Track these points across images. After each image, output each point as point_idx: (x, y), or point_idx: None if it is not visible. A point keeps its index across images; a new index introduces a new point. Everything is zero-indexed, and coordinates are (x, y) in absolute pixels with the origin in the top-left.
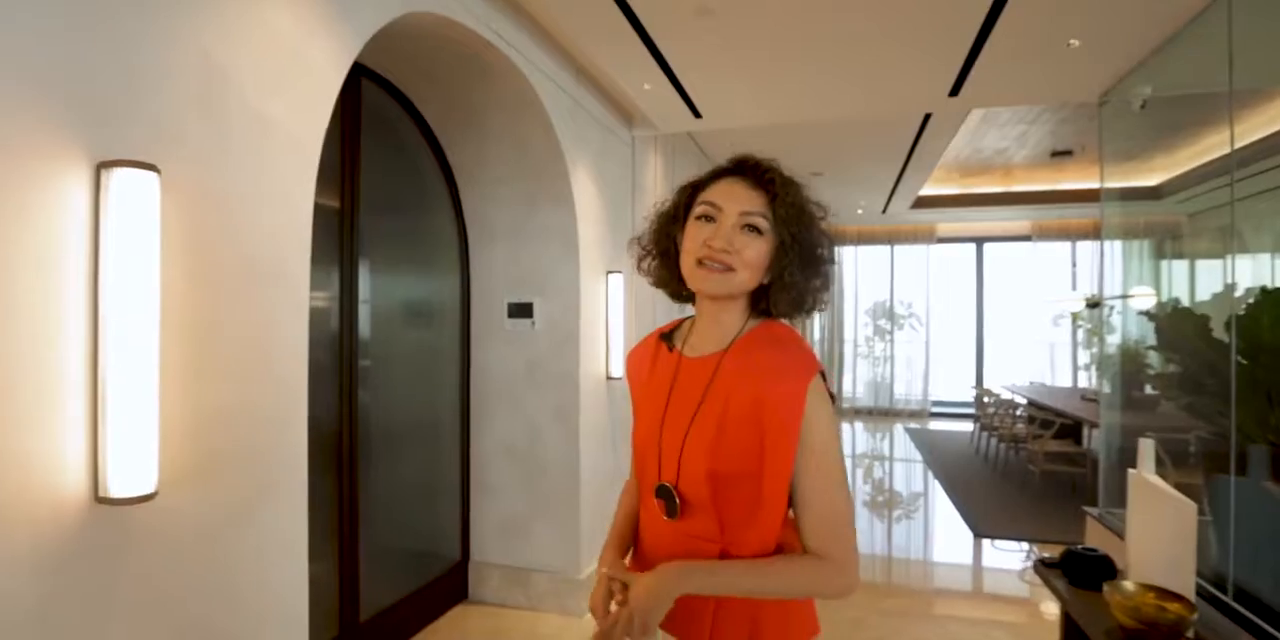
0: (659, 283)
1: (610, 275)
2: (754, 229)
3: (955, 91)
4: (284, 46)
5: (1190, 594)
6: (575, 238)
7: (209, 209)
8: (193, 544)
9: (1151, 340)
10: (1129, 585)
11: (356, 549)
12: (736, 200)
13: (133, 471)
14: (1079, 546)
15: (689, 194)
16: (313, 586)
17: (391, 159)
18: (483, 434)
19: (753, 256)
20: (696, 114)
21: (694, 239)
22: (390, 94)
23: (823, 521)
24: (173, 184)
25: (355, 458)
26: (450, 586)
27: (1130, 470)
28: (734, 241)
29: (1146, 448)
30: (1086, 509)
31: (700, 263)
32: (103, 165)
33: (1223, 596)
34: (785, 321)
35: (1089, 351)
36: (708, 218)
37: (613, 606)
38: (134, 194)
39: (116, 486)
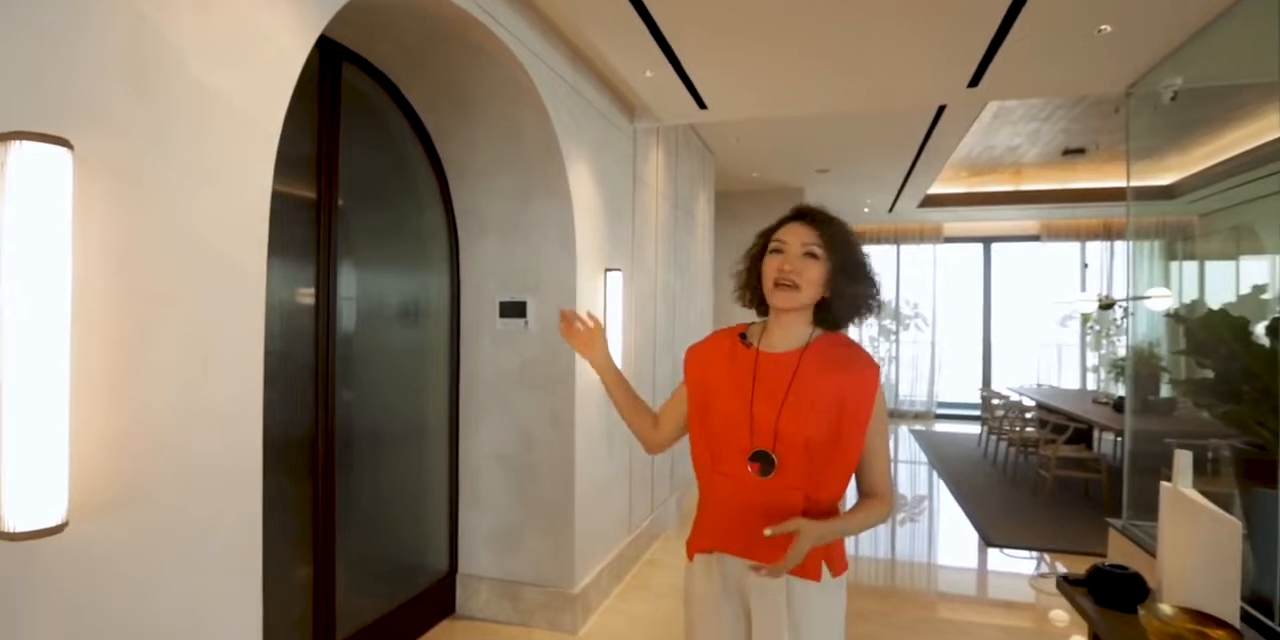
0: (750, 305)
1: (609, 273)
2: (812, 255)
3: (975, 82)
4: (235, 11)
5: (1235, 619)
6: (572, 233)
7: (140, 192)
8: (116, 580)
9: (1170, 342)
10: (1167, 608)
11: (333, 561)
12: (797, 235)
13: (34, 501)
14: (1106, 563)
15: (765, 238)
16: (284, 602)
17: (375, 148)
18: (472, 439)
19: (813, 275)
20: (702, 105)
21: (770, 267)
22: (374, 78)
23: (883, 473)
24: (92, 162)
25: (333, 465)
26: (436, 600)
27: (1164, 483)
28: (798, 265)
29: (1183, 459)
30: (1110, 520)
31: (776, 284)
32: None
33: (1269, 622)
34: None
35: (1097, 353)
36: (777, 251)
37: None
38: (38, 172)
39: (13, 519)
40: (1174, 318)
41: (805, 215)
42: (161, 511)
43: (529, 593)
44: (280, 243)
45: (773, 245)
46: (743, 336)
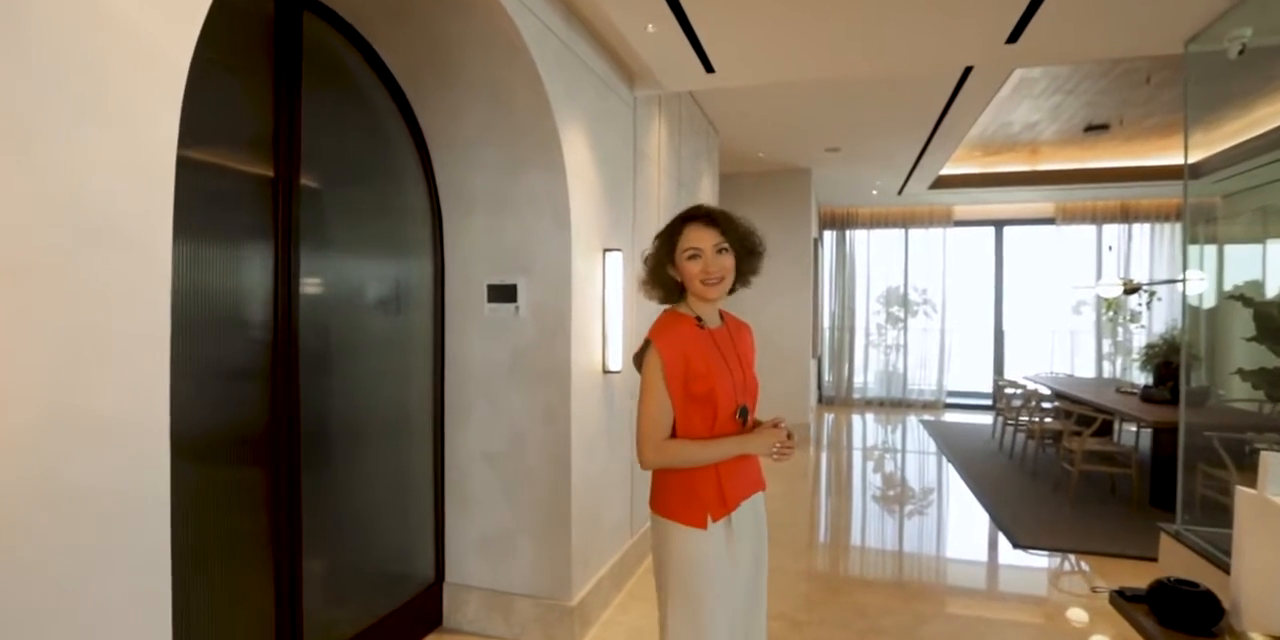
0: (663, 301)
1: (608, 253)
2: (724, 251)
3: (1014, 37)
4: None
5: None
6: (567, 209)
7: None
8: None
9: (1203, 328)
10: (1259, 638)
11: (299, 573)
12: (707, 239)
13: None
14: (1171, 578)
15: (669, 240)
16: (237, 623)
17: (344, 114)
18: (459, 437)
19: (729, 266)
20: (709, 67)
21: (695, 270)
22: (342, 32)
23: None
24: None
25: (298, 467)
26: (421, 612)
27: (1242, 489)
28: (718, 263)
29: (1273, 463)
30: (1162, 525)
31: (704, 283)
32: None
33: None
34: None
35: (1113, 341)
36: (695, 256)
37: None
38: None
39: None
40: (1240, 300)
41: (705, 217)
42: (24, 552)
43: (521, 604)
44: (228, 225)
45: (689, 252)
46: (699, 320)
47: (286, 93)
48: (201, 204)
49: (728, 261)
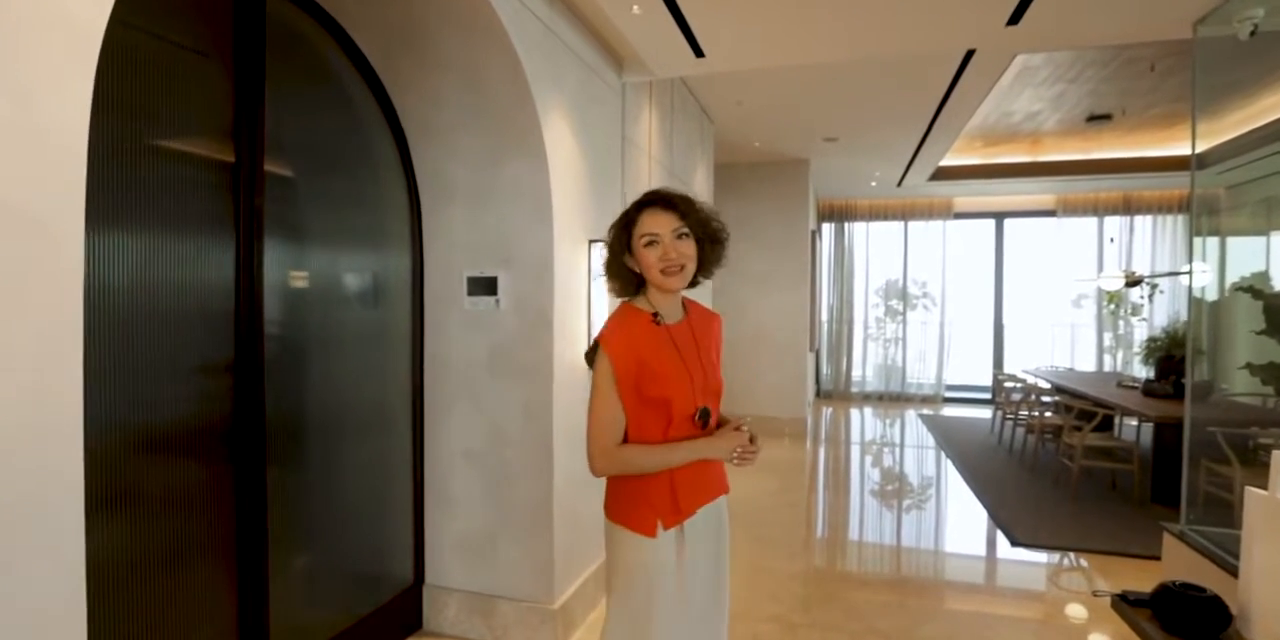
0: (619, 292)
1: (593, 244)
2: (684, 236)
3: (1016, 18)
4: None
5: None
6: (549, 199)
7: None
8: None
9: (1205, 321)
10: None
11: (263, 573)
12: (666, 224)
13: None
14: (1175, 582)
15: (625, 227)
16: (198, 625)
17: (314, 98)
18: (439, 433)
19: (690, 253)
20: (698, 52)
21: (653, 258)
22: (309, 13)
23: None
24: None
25: (263, 462)
26: (399, 615)
27: (1251, 489)
28: (678, 249)
29: None
30: (1165, 525)
31: (664, 271)
32: None
33: None
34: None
35: (1113, 334)
36: (653, 242)
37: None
38: None
39: None
40: (1250, 292)
41: (662, 201)
42: None
43: (503, 607)
44: (185, 212)
45: (646, 239)
46: (655, 316)
47: (249, 74)
48: (155, 191)
49: (688, 248)
